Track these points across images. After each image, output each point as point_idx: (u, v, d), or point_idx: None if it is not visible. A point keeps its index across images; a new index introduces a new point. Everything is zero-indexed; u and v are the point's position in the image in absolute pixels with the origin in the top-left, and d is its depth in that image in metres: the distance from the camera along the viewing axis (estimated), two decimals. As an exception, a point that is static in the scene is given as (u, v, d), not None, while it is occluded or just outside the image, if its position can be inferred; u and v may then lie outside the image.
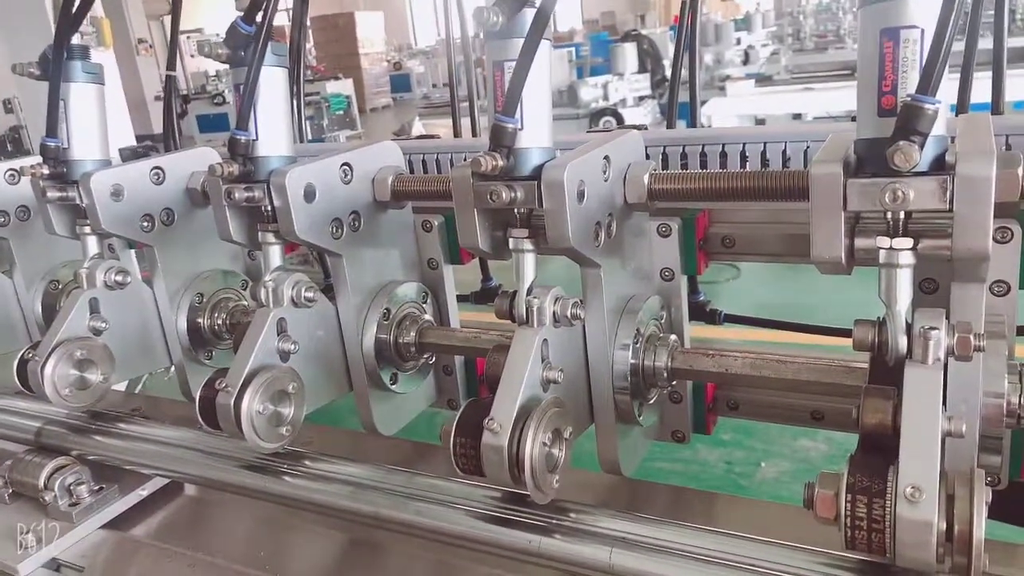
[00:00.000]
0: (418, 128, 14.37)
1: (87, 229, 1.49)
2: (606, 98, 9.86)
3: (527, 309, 1.07)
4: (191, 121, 16.37)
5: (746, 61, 11.34)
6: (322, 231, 1.27)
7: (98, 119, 1.49)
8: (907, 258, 0.87)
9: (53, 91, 1.41)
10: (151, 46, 19.10)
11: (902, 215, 0.87)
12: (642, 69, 10.36)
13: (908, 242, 0.86)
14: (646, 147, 1.38)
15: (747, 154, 1.33)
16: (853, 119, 0.93)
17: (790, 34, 9.28)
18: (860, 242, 0.91)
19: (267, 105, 1.26)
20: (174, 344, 1.59)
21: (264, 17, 1.17)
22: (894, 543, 0.78)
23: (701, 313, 1.57)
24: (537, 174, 1.04)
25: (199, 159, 1.58)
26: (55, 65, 1.40)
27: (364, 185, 1.35)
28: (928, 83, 0.79)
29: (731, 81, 9.13)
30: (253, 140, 1.25)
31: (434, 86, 21.82)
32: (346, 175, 1.31)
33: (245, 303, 1.66)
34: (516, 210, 1.09)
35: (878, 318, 0.92)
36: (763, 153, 1.32)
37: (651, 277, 1.29)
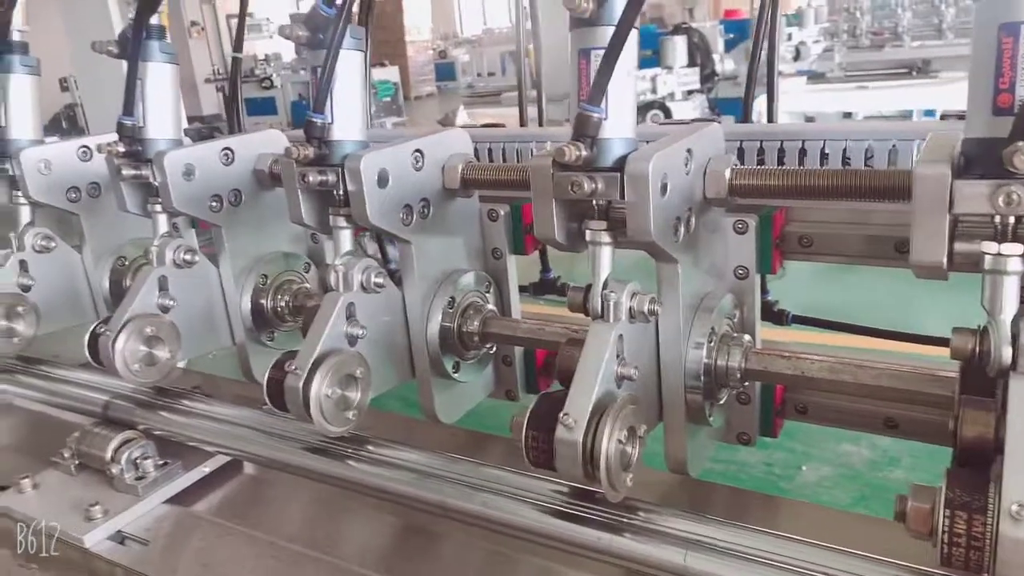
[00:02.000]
0: (462, 117, 14.36)
1: (158, 207, 1.50)
2: (654, 91, 9.74)
3: (603, 303, 1.05)
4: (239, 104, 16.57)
5: (797, 57, 11.10)
6: (393, 217, 1.26)
7: (172, 99, 1.51)
8: (1016, 264, 0.83)
9: (131, 70, 1.42)
10: (203, 29, 19.39)
11: (1012, 220, 0.83)
12: (691, 63, 10.20)
13: (1019, 248, 0.82)
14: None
15: (827, 151, 1.29)
16: (941, 117, 0.89)
17: (845, 31, 9.05)
18: (961, 246, 0.87)
19: (343, 89, 1.25)
20: (237, 324, 1.60)
21: (342, 8, 1.16)
22: (994, 562, 0.75)
23: (768, 313, 1.54)
24: (620, 165, 1.02)
25: (267, 141, 1.58)
26: (134, 44, 1.41)
27: (434, 172, 1.34)
28: (1051, 81, 0.75)
29: (781, 77, 8.96)
30: (329, 124, 1.24)
31: (479, 75, 21.80)
32: (417, 162, 1.30)
33: (308, 286, 1.66)
34: (595, 202, 1.07)
35: (978, 326, 0.88)
36: (844, 151, 1.28)
37: (725, 274, 1.27)
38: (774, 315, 1.52)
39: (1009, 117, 0.79)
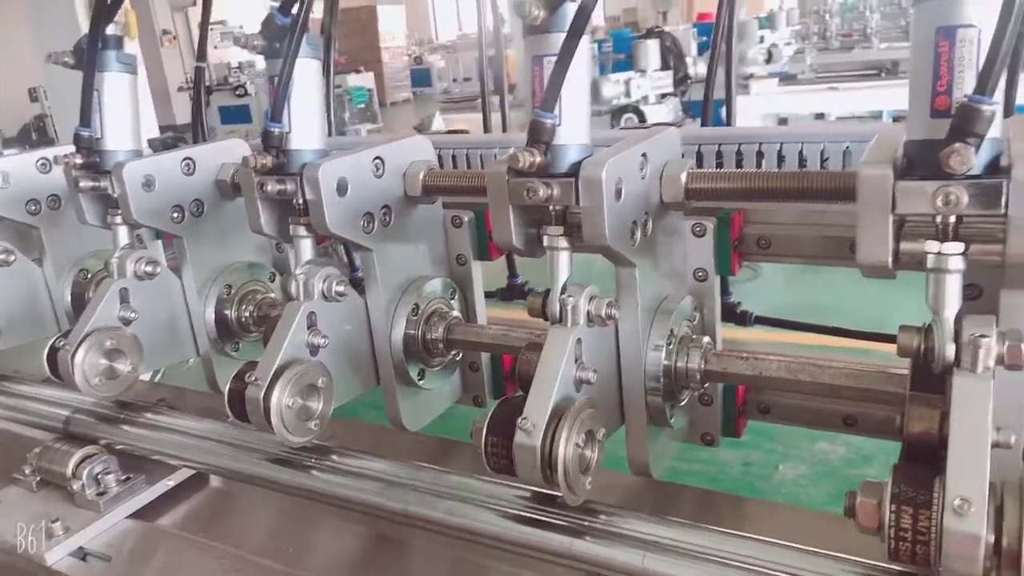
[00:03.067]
0: (438, 123, 14.36)
1: (118, 219, 1.49)
2: (628, 95, 9.79)
3: (561, 308, 1.06)
4: (213, 112, 16.46)
5: (769, 60, 11.21)
6: (353, 225, 1.26)
7: (131, 109, 1.49)
8: (957, 263, 0.85)
9: (87, 80, 1.41)
10: (175, 37, 19.25)
11: (952, 219, 0.84)
12: (664, 66, 10.27)
13: (959, 247, 0.84)
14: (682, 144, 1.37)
15: (784, 154, 1.31)
16: (894, 119, 0.91)
17: (815, 32, 9.16)
18: (907, 246, 0.89)
19: (301, 97, 1.25)
20: (201, 335, 1.59)
21: (300, 8, 1.16)
22: (940, 555, 0.76)
23: (731, 314, 1.55)
24: (574, 171, 1.02)
25: (229, 151, 1.58)
26: (90, 54, 1.40)
27: (395, 179, 1.34)
28: (986, 83, 0.77)
29: (755, 79, 9.04)
30: (286, 132, 1.24)
31: (454, 81, 21.80)
32: (378, 169, 1.30)
33: (272, 295, 1.66)
34: (551, 207, 1.07)
35: (924, 324, 0.90)
36: (800, 153, 1.29)
37: (684, 277, 1.28)
38: (737, 316, 1.54)
39: (947, 119, 0.80)
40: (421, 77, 22.87)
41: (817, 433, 3.30)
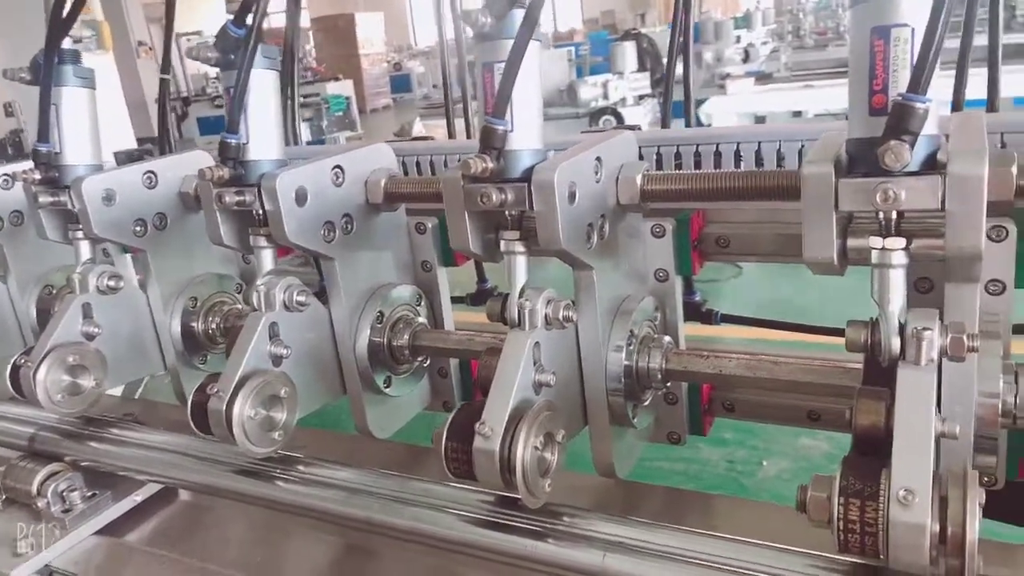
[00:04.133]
0: (418, 128, 14.36)
1: (79, 234, 1.48)
2: (606, 97, 9.84)
3: (519, 312, 1.06)
4: (191, 123, 16.37)
5: (746, 59, 11.31)
6: (314, 234, 1.26)
7: (90, 123, 1.49)
8: (900, 258, 0.86)
9: (44, 96, 1.40)
10: (151, 48, 19.12)
11: (894, 215, 0.86)
12: (642, 68, 10.34)
13: (900, 242, 0.85)
14: (640, 147, 1.38)
15: (742, 154, 1.32)
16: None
17: (790, 31, 9.25)
18: (852, 242, 0.90)
19: (257, 108, 1.25)
20: (168, 348, 1.58)
21: (254, 20, 1.16)
22: (887, 546, 0.78)
23: (697, 313, 1.57)
24: (528, 176, 1.03)
25: (192, 163, 1.57)
26: (46, 70, 1.40)
27: (356, 188, 1.34)
28: (919, 82, 0.78)
29: (731, 79, 9.11)
30: (243, 143, 1.24)
31: (434, 86, 21.79)
32: (338, 177, 1.30)
33: (240, 306, 1.65)
34: (507, 212, 1.08)
35: (871, 319, 0.91)
36: (758, 152, 1.31)
37: (645, 278, 1.29)
38: (702, 315, 1.55)
39: (883, 117, 0.81)
40: (401, 83, 22.89)
41: (800, 429, 3.35)
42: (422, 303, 1.48)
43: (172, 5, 1.82)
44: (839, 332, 1.39)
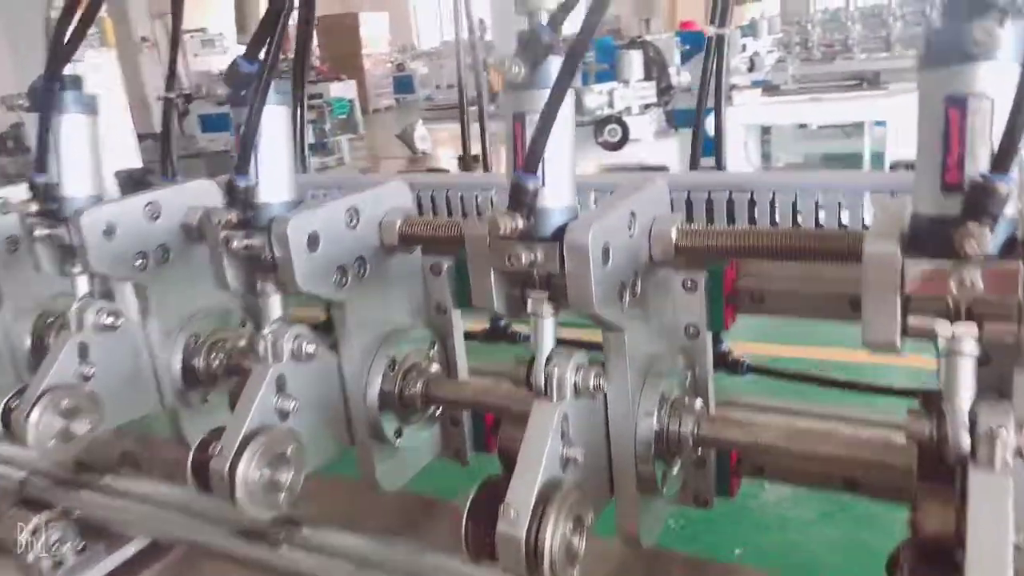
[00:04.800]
0: (420, 131, 14.26)
1: (77, 268, 1.41)
2: (611, 106, 9.75)
3: (546, 380, 0.99)
4: (193, 120, 16.27)
5: (752, 68, 11.23)
6: (325, 280, 1.19)
7: (91, 152, 1.41)
8: (971, 347, 0.79)
9: (43, 125, 1.33)
10: (154, 44, 19.01)
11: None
12: (647, 76, 10.24)
13: (973, 329, 0.78)
14: (670, 191, 1.31)
15: (776, 203, 1.25)
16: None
17: (797, 43, 9.18)
18: (915, 321, 0.83)
19: (269, 147, 1.18)
20: (167, 387, 1.51)
21: (267, 54, 1.09)
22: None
23: (723, 362, 1.49)
24: (559, 235, 0.96)
25: (196, 193, 1.50)
26: (45, 97, 1.32)
27: (371, 229, 1.27)
28: (1004, 160, 0.71)
29: (737, 90, 9.04)
30: (254, 185, 1.17)
31: (437, 87, 21.71)
32: (352, 220, 1.23)
33: (243, 343, 1.58)
34: (535, 271, 1.01)
35: (934, 398, 0.84)
36: (794, 204, 1.24)
37: (675, 334, 1.21)
38: (729, 365, 1.48)
39: (958, 195, 0.74)
40: (404, 84, 22.79)
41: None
42: (435, 348, 1.41)
43: (179, 23, 1.75)
44: (872, 389, 1.30)
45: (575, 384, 1.00)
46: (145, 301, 1.45)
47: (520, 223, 0.94)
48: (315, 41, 19.58)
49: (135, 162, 6.75)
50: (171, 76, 1.87)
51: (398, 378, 1.32)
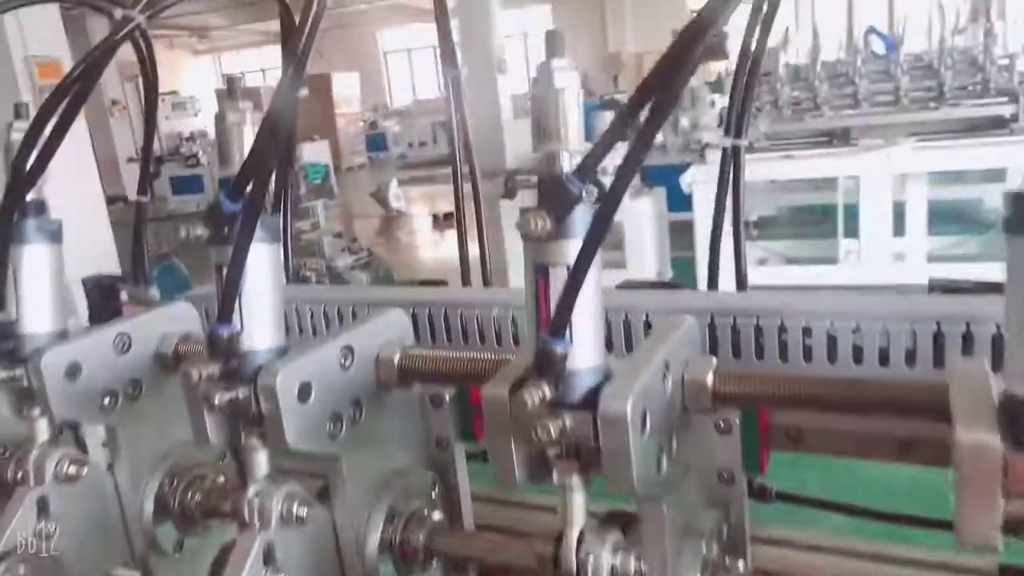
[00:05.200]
0: (394, 189, 14.25)
1: (36, 412, 1.26)
2: (587, 165, 9.79)
3: (579, 567, 0.87)
4: (164, 183, 16.17)
5: (721, 123, 11.39)
6: (318, 433, 1.07)
7: (52, 284, 1.28)
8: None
9: (1, 257, 1.20)
10: (125, 107, 18.96)
11: (1078, 498, 0.68)
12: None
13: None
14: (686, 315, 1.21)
15: (811, 328, 1.15)
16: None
17: (769, 102, 9.32)
18: (1016, 506, 0.73)
19: (254, 290, 1.06)
20: (137, 536, 1.35)
21: (254, 192, 0.98)
22: None
23: (749, 490, 1.38)
24: (591, 400, 0.85)
25: (171, 319, 1.38)
26: (4, 228, 1.20)
27: (366, 367, 1.16)
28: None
29: (710, 149, 9.12)
30: (238, 332, 1.04)
31: (410, 145, 21.84)
32: (346, 359, 1.12)
33: (222, 480, 1.43)
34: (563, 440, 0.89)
35: None
36: (831, 336, 1.14)
37: (708, 482, 1.10)
38: (755, 492, 1.36)
39: (1066, 382, 0.65)
40: (376, 142, 22.95)
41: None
42: (437, 488, 1.28)
43: (152, 126, 1.64)
44: (916, 521, 1.19)
45: (612, 568, 0.87)
46: (114, 442, 1.31)
47: (548, 395, 0.83)
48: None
49: (104, 235, 6.59)
50: (143, 178, 1.75)
51: (398, 531, 1.19)
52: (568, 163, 0.85)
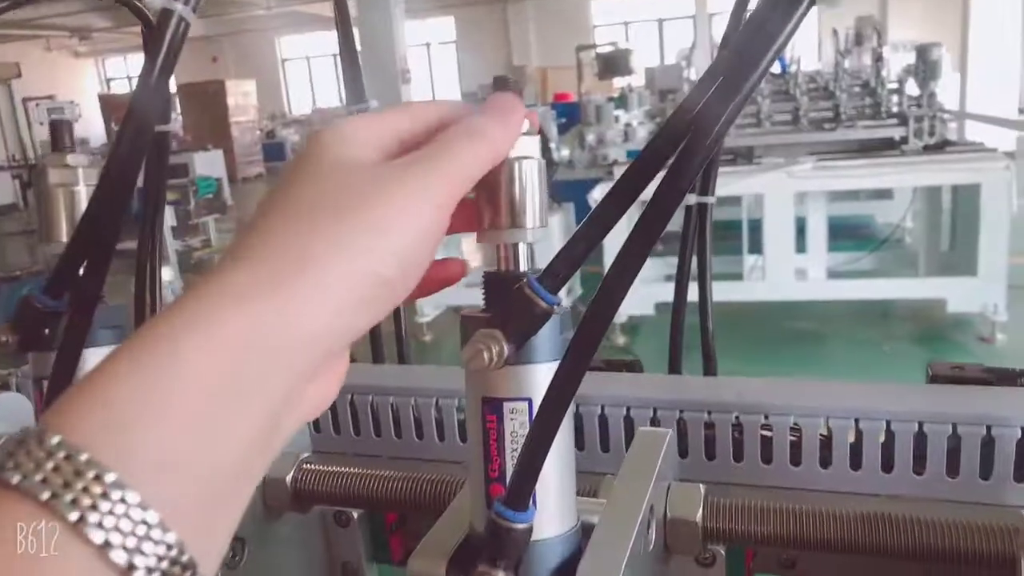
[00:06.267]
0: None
1: None
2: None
3: None
4: (39, 194, 14.92)
5: (626, 139, 11.51)
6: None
7: None
8: None
9: None
10: (-8, 110, 17.50)
11: None
12: (530, 153, 10.23)
13: None
14: (654, 409, 1.00)
15: (800, 426, 0.96)
16: None
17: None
18: None
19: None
20: None
21: (81, 291, 0.70)
22: None
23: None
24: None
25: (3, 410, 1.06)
26: None
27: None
28: None
29: (618, 166, 9.13)
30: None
31: (311, 155, 21.05)
32: (223, 489, 0.84)
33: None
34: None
35: None
36: (824, 435, 0.95)
37: (688, 627, 0.89)
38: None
39: None
40: (274, 151, 22.10)
41: None
42: (346, 629, 1.02)
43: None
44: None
45: None
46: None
47: (506, 581, 0.59)
48: (177, 109, 18.67)
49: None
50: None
51: None
52: (526, 259, 0.61)
